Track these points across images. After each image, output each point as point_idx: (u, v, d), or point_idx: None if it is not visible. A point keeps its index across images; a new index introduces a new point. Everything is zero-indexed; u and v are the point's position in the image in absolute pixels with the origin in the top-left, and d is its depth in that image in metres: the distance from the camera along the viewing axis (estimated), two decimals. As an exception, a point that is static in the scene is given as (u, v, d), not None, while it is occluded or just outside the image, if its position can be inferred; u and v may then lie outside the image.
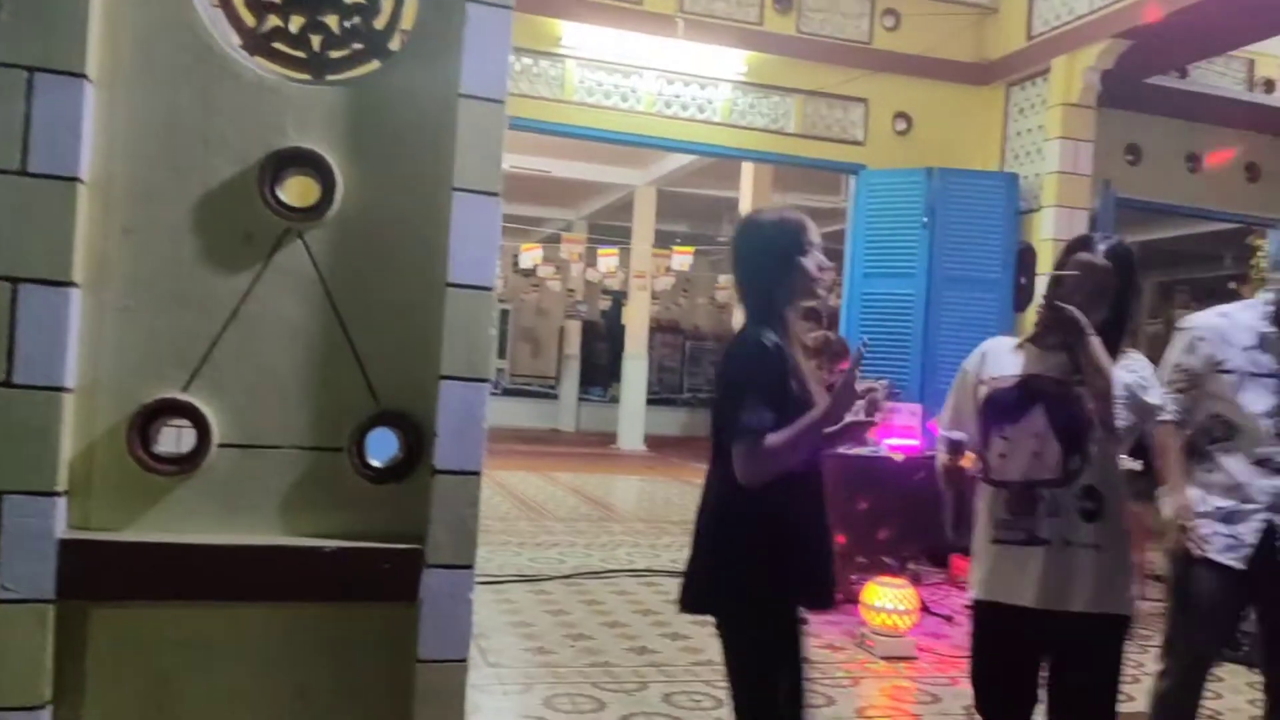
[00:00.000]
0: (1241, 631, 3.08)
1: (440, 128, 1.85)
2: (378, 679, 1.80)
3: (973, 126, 7.54)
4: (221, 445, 1.76)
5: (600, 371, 19.06)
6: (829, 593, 2.22)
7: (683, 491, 10.24)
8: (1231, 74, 7.62)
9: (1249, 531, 2.64)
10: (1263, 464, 2.66)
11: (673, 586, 5.56)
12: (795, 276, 2.20)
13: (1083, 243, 2.39)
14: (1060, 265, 2.38)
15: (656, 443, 14.64)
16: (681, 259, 13.35)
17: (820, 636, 4.70)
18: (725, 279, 14.64)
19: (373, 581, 1.77)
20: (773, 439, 2.06)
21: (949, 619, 4.95)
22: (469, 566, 1.84)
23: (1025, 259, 6.96)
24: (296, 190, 1.86)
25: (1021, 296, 6.89)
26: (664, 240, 14.43)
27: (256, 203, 1.78)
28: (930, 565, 5.78)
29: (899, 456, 5.26)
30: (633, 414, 14.24)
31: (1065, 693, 2.31)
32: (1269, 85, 7.71)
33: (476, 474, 1.85)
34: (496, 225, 1.90)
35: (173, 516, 1.73)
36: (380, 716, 1.79)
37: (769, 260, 2.21)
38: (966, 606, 2.48)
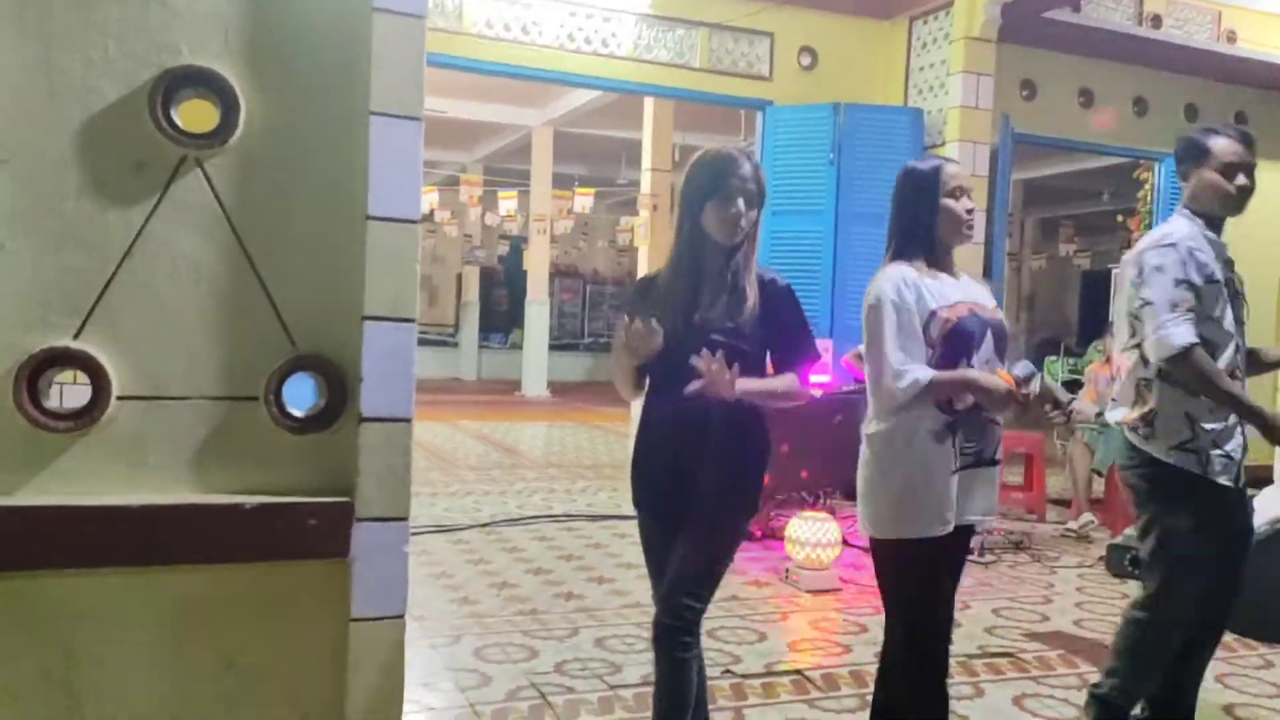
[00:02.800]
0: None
1: (354, 46, 1.70)
2: (310, 642, 1.68)
3: (877, 61, 7.54)
4: (121, 398, 1.60)
5: (500, 318, 18.80)
6: (663, 509, 2.39)
7: (591, 436, 10.20)
8: (1122, 9, 7.77)
9: (1236, 448, 2.52)
10: (1232, 376, 2.51)
11: (594, 530, 5.56)
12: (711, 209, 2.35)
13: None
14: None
15: (560, 388, 14.56)
16: (583, 200, 13.14)
17: (746, 573, 4.72)
18: (626, 221, 14.49)
19: (299, 538, 1.64)
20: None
21: (868, 550, 5.01)
22: (403, 518, 1.73)
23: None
24: (193, 114, 1.68)
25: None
26: (563, 183, 14.18)
27: (148, 127, 1.60)
28: (845, 499, 5.86)
29: (816, 392, 5.28)
30: (536, 360, 14.14)
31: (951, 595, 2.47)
32: (1156, 20, 7.90)
33: (408, 420, 1.74)
34: (418, 152, 1.77)
35: (70, 477, 1.57)
36: (315, 682, 1.68)
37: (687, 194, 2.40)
38: (902, 541, 2.38)
